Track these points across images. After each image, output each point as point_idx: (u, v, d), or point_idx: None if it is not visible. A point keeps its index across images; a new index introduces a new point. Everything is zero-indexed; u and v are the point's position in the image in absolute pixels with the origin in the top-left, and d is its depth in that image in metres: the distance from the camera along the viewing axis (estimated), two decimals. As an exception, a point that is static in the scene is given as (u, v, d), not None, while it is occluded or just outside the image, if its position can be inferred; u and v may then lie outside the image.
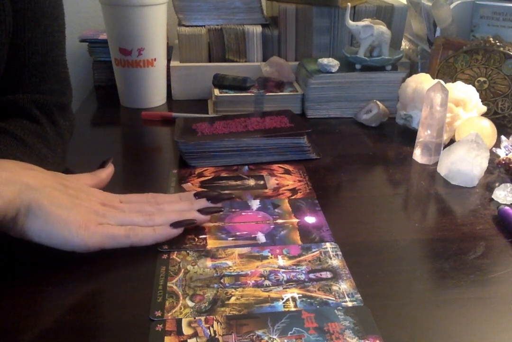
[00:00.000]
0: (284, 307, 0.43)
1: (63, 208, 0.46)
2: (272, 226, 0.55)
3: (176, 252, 0.51)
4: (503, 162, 0.66)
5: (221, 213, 0.57)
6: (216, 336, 0.40)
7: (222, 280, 0.47)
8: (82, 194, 0.50)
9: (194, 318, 0.42)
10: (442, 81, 0.69)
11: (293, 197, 0.61)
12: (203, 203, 0.55)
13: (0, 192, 0.43)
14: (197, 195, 0.56)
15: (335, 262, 0.49)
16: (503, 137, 0.72)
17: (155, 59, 0.89)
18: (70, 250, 0.47)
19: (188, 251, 0.51)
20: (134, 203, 0.54)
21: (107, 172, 0.57)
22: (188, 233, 0.53)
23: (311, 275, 0.47)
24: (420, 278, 0.48)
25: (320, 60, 0.86)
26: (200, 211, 0.54)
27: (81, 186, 0.52)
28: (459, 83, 0.77)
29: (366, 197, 0.63)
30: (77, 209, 0.48)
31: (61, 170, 0.62)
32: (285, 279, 0.47)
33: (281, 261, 0.49)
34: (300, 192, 0.62)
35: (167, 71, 0.94)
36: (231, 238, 0.53)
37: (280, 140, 0.70)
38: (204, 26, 0.95)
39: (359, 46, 0.87)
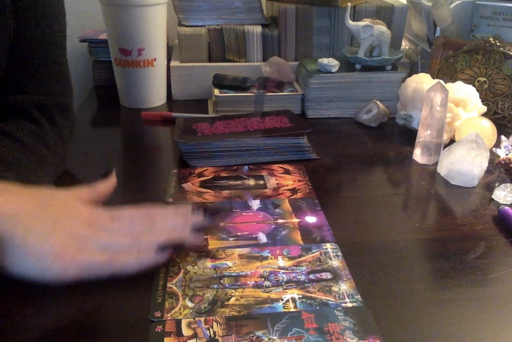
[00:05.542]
0: (284, 308, 0.43)
1: (38, 236, 0.43)
2: (273, 226, 0.55)
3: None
4: (503, 162, 0.66)
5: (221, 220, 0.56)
6: (216, 337, 0.40)
7: (222, 281, 0.47)
8: (65, 214, 0.46)
9: (194, 319, 0.42)
10: (442, 81, 0.69)
11: (293, 197, 0.61)
12: (199, 219, 0.50)
13: None
14: (195, 209, 0.51)
15: (335, 262, 0.49)
16: (503, 137, 0.72)
17: (155, 59, 0.89)
18: (44, 283, 0.43)
19: (188, 252, 0.51)
20: (124, 221, 0.49)
21: (108, 184, 0.53)
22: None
23: (311, 276, 0.47)
24: (420, 278, 0.48)
25: (320, 60, 0.86)
26: (194, 227, 0.49)
27: (66, 204, 0.47)
28: (459, 83, 0.77)
29: (366, 197, 0.63)
30: (54, 235, 0.43)
31: (61, 170, 0.62)
32: (285, 279, 0.47)
33: (281, 262, 0.49)
34: (300, 192, 0.62)
35: (167, 71, 0.94)
36: (232, 238, 0.53)
37: (280, 140, 0.70)
38: (204, 26, 0.95)
39: (359, 46, 0.87)
